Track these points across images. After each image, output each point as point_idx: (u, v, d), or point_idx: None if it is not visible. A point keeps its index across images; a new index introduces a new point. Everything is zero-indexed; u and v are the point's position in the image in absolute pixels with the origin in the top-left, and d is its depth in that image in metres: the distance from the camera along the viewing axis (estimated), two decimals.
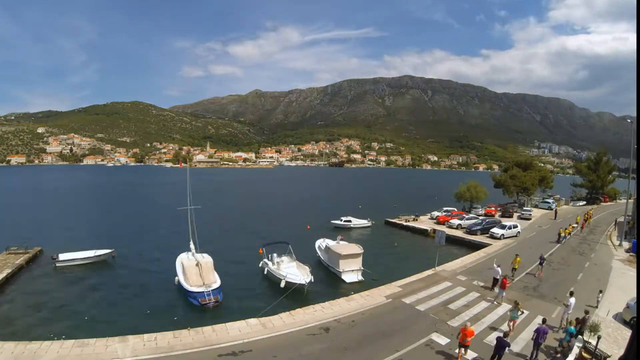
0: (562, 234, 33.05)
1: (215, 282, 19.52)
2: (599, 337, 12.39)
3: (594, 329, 13.06)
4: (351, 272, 23.14)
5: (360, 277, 23.17)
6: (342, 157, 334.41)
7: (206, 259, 21.19)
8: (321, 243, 28.22)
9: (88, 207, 56.03)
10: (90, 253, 25.26)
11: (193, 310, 17.97)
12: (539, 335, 12.49)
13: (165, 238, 34.11)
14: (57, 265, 23.91)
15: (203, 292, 18.23)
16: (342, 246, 24.98)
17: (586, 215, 43.67)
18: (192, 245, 23.65)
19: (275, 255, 23.76)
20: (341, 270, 22.97)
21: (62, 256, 24.39)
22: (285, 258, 23.55)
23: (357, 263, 23.58)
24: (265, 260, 23.80)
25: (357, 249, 24.12)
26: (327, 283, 22.71)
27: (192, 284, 18.93)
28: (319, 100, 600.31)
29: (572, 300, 15.12)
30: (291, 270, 21.42)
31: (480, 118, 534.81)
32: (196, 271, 19.62)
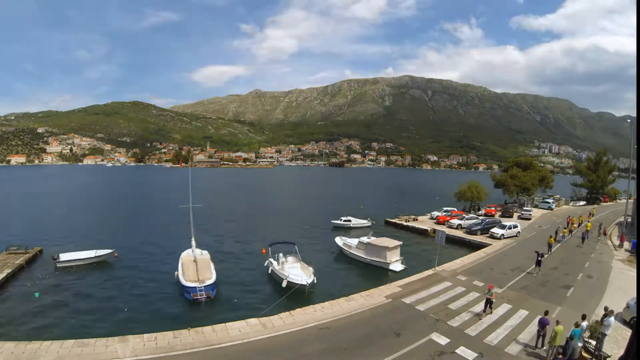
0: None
1: (210, 278, 19.75)
2: (598, 337, 12.39)
3: (596, 329, 13.06)
4: (396, 262, 25.59)
5: (403, 266, 25.55)
6: (342, 157, 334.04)
7: (204, 256, 21.49)
8: (350, 241, 29.23)
9: (88, 207, 55.97)
10: (91, 253, 25.18)
11: (186, 307, 18.21)
12: (542, 326, 13.24)
13: (166, 237, 34.21)
14: (57, 265, 23.84)
15: (196, 287, 18.56)
16: (384, 240, 26.97)
17: (590, 216, 45.03)
18: (193, 242, 23.77)
19: (281, 255, 23.91)
20: (389, 262, 25.07)
21: (63, 256, 24.32)
22: (290, 258, 23.73)
23: (398, 253, 26.15)
24: (271, 259, 23.89)
25: (396, 241, 26.53)
26: (328, 283, 22.66)
27: (187, 279, 19.35)
28: (319, 100, 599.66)
29: (611, 319, 12.92)
30: (294, 271, 21.45)
31: (480, 118, 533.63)
32: (193, 267, 19.91)
